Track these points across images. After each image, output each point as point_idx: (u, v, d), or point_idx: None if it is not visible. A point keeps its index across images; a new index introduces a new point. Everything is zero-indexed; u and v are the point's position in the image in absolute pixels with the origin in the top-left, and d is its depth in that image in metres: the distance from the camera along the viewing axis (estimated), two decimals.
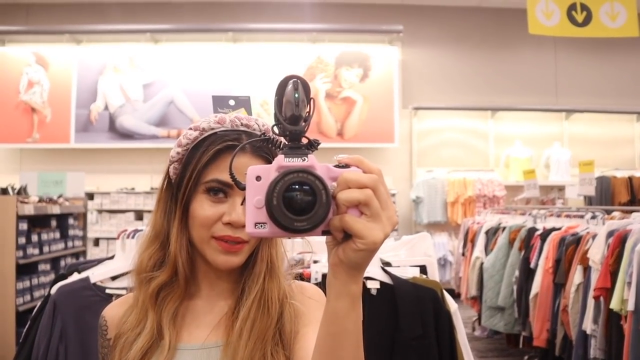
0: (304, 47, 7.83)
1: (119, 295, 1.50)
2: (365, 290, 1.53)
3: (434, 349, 1.50)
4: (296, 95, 0.62)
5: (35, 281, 4.89)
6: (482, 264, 4.65)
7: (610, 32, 5.15)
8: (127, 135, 7.63)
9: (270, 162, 0.72)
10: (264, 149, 0.86)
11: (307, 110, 0.64)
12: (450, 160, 7.88)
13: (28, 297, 4.75)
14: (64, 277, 1.59)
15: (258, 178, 0.61)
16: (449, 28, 8.00)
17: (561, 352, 3.62)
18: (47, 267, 5.14)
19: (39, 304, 1.59)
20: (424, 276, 1.63)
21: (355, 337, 0.64)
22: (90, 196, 7.22)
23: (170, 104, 7.61)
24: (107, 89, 7.63)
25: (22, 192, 5.46)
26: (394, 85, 7.73)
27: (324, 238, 0.62)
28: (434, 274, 1.70)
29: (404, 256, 1.78)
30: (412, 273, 1.61)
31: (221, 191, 0.84)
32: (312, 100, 0.64)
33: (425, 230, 7.23)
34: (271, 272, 0.88)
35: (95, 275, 1.53)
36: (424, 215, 7.36)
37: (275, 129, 0.65)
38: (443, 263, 7.00)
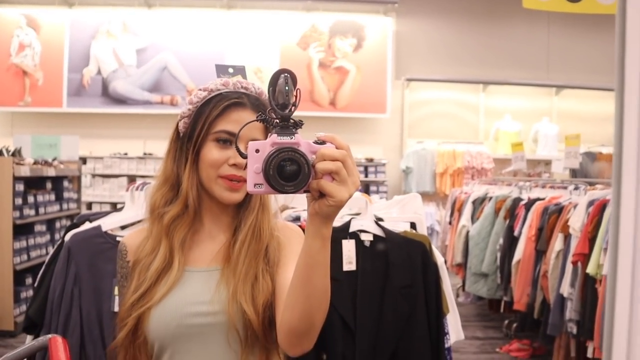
0: (298, 15, 7.83)
1: None
2: (360, 242, 1.66)
3: (421, 297, 1.64)
4: (286, 87, 0.80)
5: (31, 241, 4.99)
6: (468, 232, 4.81)
7: (603, 9, 5.22)
8: (120, 100, 7.64)
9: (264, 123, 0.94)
10: (260, 107, 1.04)
11: (295, 97, 0.81)
12: (440, 132, 8.00)
13: (25, 257, 4.86)
14: (76, 226, 1.69)
15: (257, 151, 0.79)
16: (443, 1, 8.02)
17: (539, 315, 3.81)
18: (43, 228, 5.23)
19: (52, 250, 1.69)
20: (414, 231, 1.76)
21: (324, 267, 0.85)
22: (84, 161, 7.26)
23: (164, 69, 7.61)
24: (100, 53, 7.60)
25: (16, 154, 5.49)
26: (387, 56, 7.77)
27: (304, 195, 0.81)
28: (423, 230, 1.83)
29: (396, 214, 1.90)
30: (403, 228, 1.73)
31: (228, 140, 1.03)
32: (298, 90, 0.82)
33: None
34: (263, 207, 1.08)
35: (107, 224, 1.63)
36: (413, 185, 7.51)
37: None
38: (430, 232, 7.18)
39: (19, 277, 4.79)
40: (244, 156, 0.81)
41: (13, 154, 5.44)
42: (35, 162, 5.22)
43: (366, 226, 1.67)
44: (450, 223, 5.60)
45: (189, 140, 1.06)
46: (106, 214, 1.79)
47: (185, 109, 1.07)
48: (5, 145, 5.88)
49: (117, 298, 1.58)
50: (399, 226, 1.72)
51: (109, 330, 1.56)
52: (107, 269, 1.60)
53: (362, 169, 7.62)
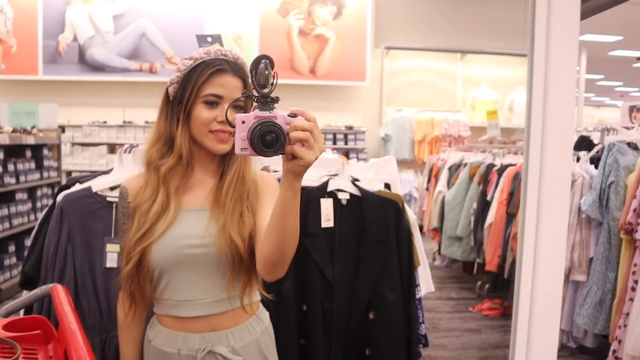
0: None
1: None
2: (337, 200, 1.75)
3: (394, 252, 1.75)
4: (266, 71, 0.97)
5: (13, 209, 4.99)
6: (444, 197, 4.96)
7: None
8: (98, 67, 7.54)
9: (243, 81, 1.22)
10: (237, 69, 1.22)
11: (273, 78, 0.97)
12: (419, 100, 8.09)
13: (7, 225, 4.88)
14: (67, 187, 1.75)
15: (243, 122, 0.96)
16: None
17: (509, 275, 4.01)
18: (24, 196, 5.23)
19: (45, 210, 1.76)
20: (388, 191, 1.86)
21: (295, 212, 1.04)
22: (62, 129, 7.20)
23: (142, 36, 7.51)
24: (76, 19, 7.46)
25: None
26: (367, 24, 7.78)
27: (280, 157, 0.98)
28: (397, 190, 1.93)
29: (372, 175, 2.00)
30: (378, 187, 1.83)
31: (214, 101, 1.20)
32: (275, 73, 0.98)
33: None
34: (245, 158, 1.24)
35: (97, 185, 1.70)
36: (392, 153, 7.62)
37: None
38: (408, 199, 7.34)
39: (1, 245, 4.82)
40: (233, 126, 0.98)
41: None
42: (14, 130, 5.19)
43: (343, 186, 1.77)
44: (427, 189, 5.75)
45: (179, 103, 1.22)
46: (95, 176, 1.86)
47: (174, 76, 1.23)
48: None
49: (108, 254, 1.68)
50: (374, 186, 1.82)
51: (102, 284, 1.66)
52: (97, 227, 1.68)
53: (341, 136, 7.70)
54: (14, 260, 5.02)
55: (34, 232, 1.75)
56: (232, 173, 1.23)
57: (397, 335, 1.77)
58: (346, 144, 7.65)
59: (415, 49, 8.01)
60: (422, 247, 1.88)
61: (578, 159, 3.76)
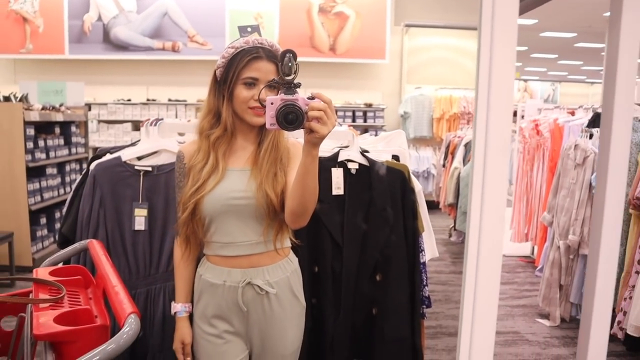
0: None
1: (146, 171, 1.84)
2: (347, 170, 1.88)
3: (400, 218, 1.86)
4: (290, 64, 1.22)
5: (44, 184, 5.22)
6: (459, 173, 5.04)
7: None
8: (121, 46, 7.70)
9: (277, 65, 1.42)
10: (271, 56, 1.46)
11: (295, 68, 1.22)
12: (438, 77, 8.09)
13: (39, 198, 5.11)
14: (98, 157, 1.91)
15: (272, 103, 1.21)
16: None
17: None
18: (54, 171, 5.46)
19: (79, 178, 1.92)
20: (395, 161, 1.97)
21: (314, 174, 1.30)
22: (88, 107, 7.41)
23: (165, 15, 7.63)
24: None
25: (23, 100, 5.64)
26: (387, 1, 7.77)
27: (302, 130, 1.22)
28: (405, 161, 2.04)
29: (381, 148, 2.12)
30: (385, 158, 1.94)
31: (252, 83, 1.45)
32: (297, 65, 1.23)
33: (411, 145, 7.59)
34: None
35: (126, 155, 1.85)
36: (411, 130, 7.68)
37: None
38: (426, 176, 7.42)
39: (34, 217, 5.05)
40: (264, 105, 1.24)
41: (20, 100, 5.60)
42: (44, 108, 5.39)
43: (352, 156, 1.88)
44: (444, 166, 5.82)
45: (224, 84, 1.48)
46: (123, 147, 2.01)
47: (220, 61, 1.49)
48: (12, 92, 6.04)
49: (136, 218, 1.83)
50: (382, 157, 1.94)
51: (130, 245, 1.82)
52: (127, 193, 1.83)
53: (360, 113, 7.77)
54: (45, 231, 5.27)
55: (69, 197, 1.91)
56: (268, 141, 1.49)
57: (402, 296, 1.89)
58: (365, 121, 7.71)
59: (435, 27, 7.98)
60: (427, 215, 1.99)
61: (591, 136, 3.81)
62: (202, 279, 1.55)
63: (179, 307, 1.59)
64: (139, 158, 1.88)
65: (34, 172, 5.10)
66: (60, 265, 1.43)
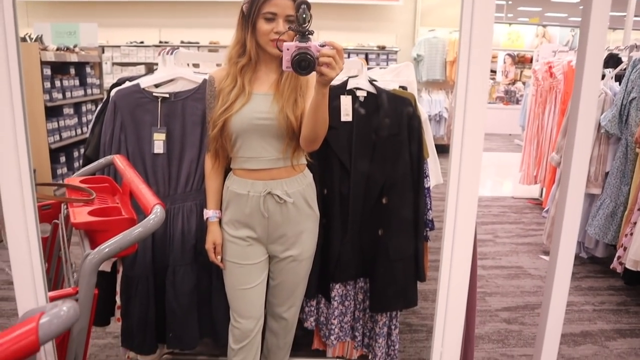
0: None
1: (164, 98, 1.93)
2: (355, 97, 1.95)
3: (406, 144, 1.94)
4: (304, 15, 1.34)
5: (62, 123, 5.35)
6: None
7: None
8: None
9: (293, 1, 1.55)
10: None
11: (309, 18, 1.34)
12: (452, 20, 7.95)
13: (57, 137, 5.25)
14: (119, 84, 2.00)
15: (287, 49, 1.35)
16: None
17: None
18: (71, 111, 5.57)
19: (100, 105, 2.01)
20: (402, 89, 2.04)
21: (324, 107, 1.49)
22: (102, 49, 7.43)
23: None
24: None
25: (38, 41, 5.69)
26: None
27: (314, 73, 1.37)
28: (413, 91, 2.10)
29: (390, 79, 2.17)
30: (393, 86, 2.01)
31: (272, 17, 1.58)
32: (311, 15, 1.35)
33: (424, 88, 7.57)
34: None
35: (144, 82, 1.93)
36: (424, 73, 7.63)
37: None
38: (438, 119, 7.43)
39: (53, 155, 5.20)
40: (280, 50, 1.43)
41: (36, 40, 5.65)
42: (58, 49, 5.45)
43: (361, 84, 1.95)
44: None
45: (248, 17, 1.62)
46: (141, 75, 2.09)
47: None
48: (26, 33, 6.08)
49: (155, 142, 1.93)
50: (390, 85, 2.00)
51: (150, 168, 1.93)
52: (146, 119, 1.93)
53: (374, 56, 7.72)
54: (65, 169, 5.44)
55: (91, 123, 2.01)
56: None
57: (407, 219, 2.00)
58: (378, 64, 7.66)
59: None
60: (432, 142, 2.07)
61: (603, 76, 3.80)
62: (229, 190, 1.76)
63: (210, 213, 1.79)
64: (157, 85, 1.96)
65: (52, 112, 5.22)
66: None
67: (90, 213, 1.10)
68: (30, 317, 0.57)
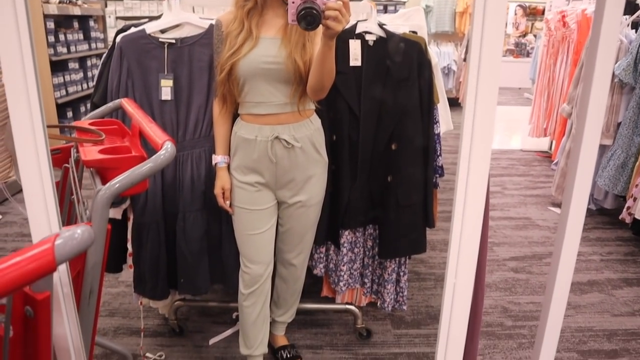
0: None
1: (170, 43, 1.90)
2: (364, 41, 1.90)
3: (416, 89, 1.90)
4: None
5: (67, 78, 5.31)
6: None
7: None
8: None
9: None
10: None
11: None
12: None
13: (64, 92, 5.23)
14: (124, 30, 1.96)
15: (293, 2, 1.32)
16: None
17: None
18: (76, 65, 5.53)
19: (106, 51, 1.99)
20: (412, 33, 1.99)
21: (330, 58, 1.49)
22: (104, 2, 7.30)
23: None
24: None
25: None
26: None
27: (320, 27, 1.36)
28: (423, 35, 2.05)
29: (400, 23, 2.12)
30: (403, 30, 1.96)
31: None
32: None
33: (432, 40, 7.41)
34: None
35: (150, 27, 1.89)
36: (432, 25, 7.47)
37: None
38: (447, 72, 7.31)
39: (60, 110, 5.19)
40: (286, 4, 1.40)
41: None
42: (61, 2, 5.35)
43: (370, 28, 1.90)
44: (464, 60, 5.73)
45: None
46: (147, 21, 2.04)
47: None
48: None
49: (163, 89, 1.91)
50: (400, 29, 1.95)
51: (158, 115, 1.91)
52: (152, 65, 1.90)
53: (381, 7, 7.54)
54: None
55: (98, 70, 1.99)
56: None
57: (416, 165, 1.98)
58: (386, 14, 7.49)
59: None
60: (442, 87, 2.03)
61: None
62: (237, 136, 1.76)
63: (219, 159, 1.79)
64: (163, 31, 1.93)
65: (58, 67, 5.17)
66: None
67: (101, 152, 1.10)
68: (46, 238, 0.58)
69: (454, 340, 1.02)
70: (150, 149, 1.16)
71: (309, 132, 1.73)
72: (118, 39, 1.91)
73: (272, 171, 1.74)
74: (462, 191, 0.94)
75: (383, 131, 1.94)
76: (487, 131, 0.92)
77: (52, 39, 5.02)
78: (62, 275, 0.83)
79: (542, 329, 1.07)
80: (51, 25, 5.02)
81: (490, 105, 0.91)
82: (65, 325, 0.83)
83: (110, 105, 1.55)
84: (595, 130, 0.95)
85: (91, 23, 5.89)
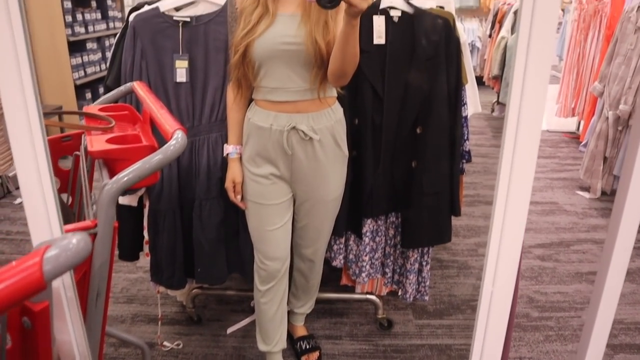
0: None
1: (185, 22, 1.81)
2: (389, 18, 1.78)
3: (443, 68, 1.79)
4: None
5: (86, 58, 5.27)
6: (506, 43, 4.79)
7: None
8: None
9: None
10: None
11: None
12: None
13: (82, 73, 5.19)
14: (137, 9, 1.88)
15: None
16: None
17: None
18: (94, 45, 5.47)
19: (120, 31, 1.91)
20: (440, 9, 1.87)
21: (354, 40, 1.34)
22: None
23: None
24: None
25: None
26: None
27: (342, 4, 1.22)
28: (451, 10, 1.93)
29: None
30: (430, 5, 1.84)
31: None
32: None
33: (457, 16, 7.19)
34: None
35: (163, 5, 1.80)
36: (456, 0, 7.24)
37: None
38: (471, 49, 7.09)
39: (79, 91, 5.16)
40: None
41: None
42: None
43: (395, 3, 1.77)
44: (490, 36, 5.54)
45: None
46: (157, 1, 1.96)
47: None
48: None
49: (177, 70, 1.83)
50: (426, 4, 1.84)
51: (173, 97, 1.84)
52: (167, 45, 1.82)
53: None
54: None
55: (112, 51, 1.92)
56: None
57: (442, 150, 1.88)
58: None
59: None
60: (471, 67, 1.91)
61: None
62: (250, 122, 1.63)
63: (230, 149, 1.68)
64: (177, 9, 1.84)
65: (76, 47, 5.12)
66: None
67: (109, 141, 1.02)
68: (35, 251, 0.51)
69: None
70: (162, 136, 1.09)
71: (330, 123, 1.59)
72: (131, 17, 1.83)
73: (288, 163, 1.61)
74: (504, 187, 0.85)
75: (408, 114, 1.84)
76: (536, 115, 0.81)
77: (69, 18, 4.96)
78: (65, 279, 0.76)
79: (590, 322, 0.97)
80: (69, 4, 4.96)
81: (540, 85, 0.80)
82: (70, 332, 0.77)
83: (121, 89, 1.48)
84: None
85: (109, 2, 5.82)
